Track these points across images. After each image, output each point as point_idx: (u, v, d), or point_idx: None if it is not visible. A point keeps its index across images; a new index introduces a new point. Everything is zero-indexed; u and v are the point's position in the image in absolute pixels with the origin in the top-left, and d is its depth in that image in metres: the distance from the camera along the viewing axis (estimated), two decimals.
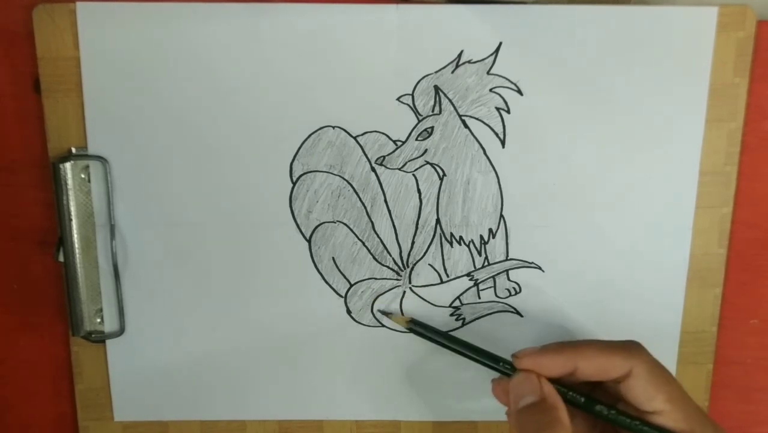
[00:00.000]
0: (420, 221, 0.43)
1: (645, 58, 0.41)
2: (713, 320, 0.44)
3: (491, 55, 0.41)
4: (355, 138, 0.42)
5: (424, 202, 0.43)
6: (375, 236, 0.43)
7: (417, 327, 0.43)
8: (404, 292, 0.44)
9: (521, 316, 0.44)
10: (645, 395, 0.36)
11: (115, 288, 0.43)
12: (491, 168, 0.42)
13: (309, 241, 0.43)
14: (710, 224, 0.43)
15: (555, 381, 0.38)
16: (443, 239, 0.43)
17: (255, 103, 0.41)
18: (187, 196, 0.42)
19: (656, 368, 0.37)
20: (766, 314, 0.45)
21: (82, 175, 0.42)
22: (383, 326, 0.44)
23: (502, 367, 0.40)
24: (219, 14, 0.40)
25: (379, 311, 0.44)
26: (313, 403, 0.45)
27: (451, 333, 0.43)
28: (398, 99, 0.41)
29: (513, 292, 0.44)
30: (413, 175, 0.42)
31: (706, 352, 0.45)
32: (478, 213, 0.43)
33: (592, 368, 0.37)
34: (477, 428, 0.46)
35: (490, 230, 0.43)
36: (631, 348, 0.37)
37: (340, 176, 0.42)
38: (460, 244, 0.43)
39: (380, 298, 0.44)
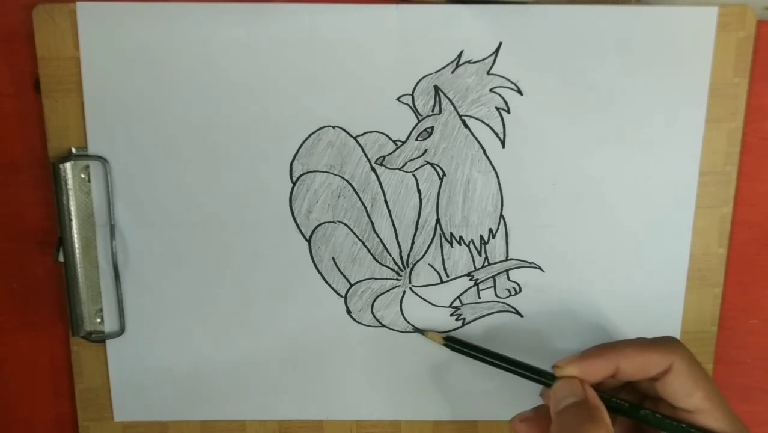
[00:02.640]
0: (420, 221, 0.43)
1: (645, 58, 0.41)
2: (713, 320, 0.44)
3: (491, 55, 0.41)
4: (355, 138, 0.42)
5: (424, 202, 0.43)
6: (375, 236, 0.43)
7: (453, 343, 0.42)
8: (404, 292, 0.44)
9: (521, 316, 0.44)
10: (683, 392, 0.36)
11: (115, 288, 0.43)
12: (491, 168, 0.42)
13: (309, 241, 0.43)
14: (710, 224, 0.43)
15: (596, 388, 0.37)
16: (443, 238, 0.43)
17: (255, 103, 0.41)
18: (187, 196, 0.42)
19: (695, 364, 0.36)
20: (766, 314, 0.45)
21: (82, 176, 0.42)
22: (383, 325, 0.44)
23: (544, 379, 0.39)
24: (219, 14, 0.40)
25: (414, 327, 0.44)
26: (313, 403, 0.45)
27: (490, 349, 0.42)
28: (398, 99, 0.41)
29: (513, 292, 0.44)
30: (413, 175, 0.42)
31: (706, 352, 0.45)
32: (478, 213, 0.43)
33: (632, 367, 0.36)
34: (477, 428, 0.46)
35: (490, 230, 0.43)
36: (669, 344, 0.37)
37: (340, 176, 0.42)
38: (460, 244, 0.43)
39: (380, 298, 0.44)
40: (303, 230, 0.43)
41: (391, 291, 0.44)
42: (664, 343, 0.37)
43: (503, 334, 0.44)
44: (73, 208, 0.42)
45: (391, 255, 0.43)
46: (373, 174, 0.42)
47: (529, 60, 0.41)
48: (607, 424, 0.35)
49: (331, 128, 0.42)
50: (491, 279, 0.44)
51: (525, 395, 0.43)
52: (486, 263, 0.43)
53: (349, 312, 0.44)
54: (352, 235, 0.43)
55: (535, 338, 0.44)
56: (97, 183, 0.42)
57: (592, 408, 0.35)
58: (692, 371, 0.36)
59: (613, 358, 0.37)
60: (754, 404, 0.46)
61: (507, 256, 0.43)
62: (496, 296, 0.44)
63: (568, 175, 0.42)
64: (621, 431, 0.40)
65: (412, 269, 0.44)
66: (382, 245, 0.43)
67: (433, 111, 0.41)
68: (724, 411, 0.36)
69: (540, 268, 0.43)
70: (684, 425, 0.36)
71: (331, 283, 0.44)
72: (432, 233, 0.43)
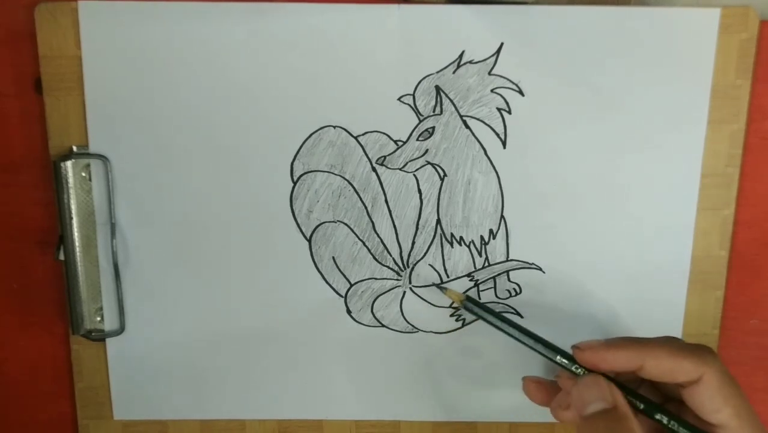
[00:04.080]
0: (420, 221, 0.43)
1: (647, 59, 0.40)
2: (715, 323, 0.44)
3: (492, 55, 0.40)
4: (356, 138, 0.42)
5: (424, 202, 0.43)
6: (375, 235, 0.43)
7: (471, 304, 0.41)
8: (404, 292, 0.44)
9: (522, 317, 0.44)
10: (712, 406, 0.34)
11: (116, 287, 0.43)
12: (492, 168, 0.42)
13: (309, 240, 0.43)
14: (712, 226, 0.43)
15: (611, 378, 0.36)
16: (443, 239, 0.43)
17: (256, 102, 0.41)
18: (188, 195, 0.42)
19: (727, 378, 0.35)
20: (766, 314, 0.45)
21: (83, 174, 0.42)
22: (383, 325, 0.44)
23: (558, 358, 0.38)
24: (220, 13, 0.40)
25: (434, 284, 0.43)
26: (312, 403, 0.45)
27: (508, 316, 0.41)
28: (399, 99, 0.41)
29: (513, 293, 0.44)
30: (414, 175, 0.42)
31: None
32: (478, 213, 0.43)
33: (659, 369, 0.35)
34: (477, 428, 0.46)
35: (491, 231, 0.43)
36: (703, 353, 0.35)
37: (340, 176, 0.42)
38: (460, 244, 0.43)
39: (380, 298, 0.44)
40: (303, 229, 0.43)
41: (392, 291, 0.44)
42: (698, 352, 0.35)
43: (503, 335, 0.44)
44: (73, 207, 0.42)
45: (391, 255, 0.43)
46: (373, 174, 0.42)
47: (530, 61, 0.40)
48: None
49: (332, 128, 0.42)
50: (491, 280, 0.44)
51: (525, 396, 0.43)
52: (486, 264, 0.43)
53: (349, 312, 0.44)
54: (353, 235, 0.43)
55: None
56: (98, 181, 0.42)
57: (622, 418, 0.34)
58: (723, 385, 0.34)
59: (640, 354, 0.35)
60: (755, 404, 0.45)
61: (507, 257, 0.43)
62: (497, 296, 0.44)
63: (569, 176, 0.42)
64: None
65: (413, 269, 0.44)
66: (382, 245, 0.43)
67: (434, 111, 0.41)
68: (753, 429, 0.34)
69: (540, 269, 0.43)
70: None
71: (331, 283, 0.44)
72: (432, 234, 0.43)
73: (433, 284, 0.43)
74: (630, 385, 0.37)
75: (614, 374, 0.37)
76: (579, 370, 0.38)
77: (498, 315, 0.41)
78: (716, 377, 0.34)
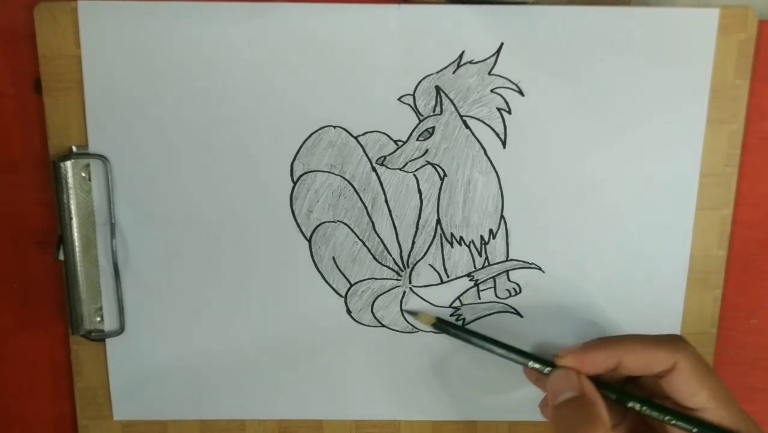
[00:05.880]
0: (420, 221, 0.43)
1: (646, 59, 0.40)
2: (713, 322, 0.44)
3: (492, 55, 0.41)
4: (356, 138, 0.42)
5: (424, 202, 0.43)
6: (375, 236, 0.43)
7: (444, 325, 0.42)
8: (404, 292, 0.44)
9: (521, 316, 0.44)
10: (688, 391, 0.36)
11: (115, 287, 0.43)
12: (492, 168, 0.42)
13: (309, 240, 0.43)
14: (710, 226, 0.43)
15: (591, 377, 0.37)
16: (443, 239, 0.43)
17: (256, 102, 0.41)
18: (188, 195, 0.42)
19: (700, 363, 0.36)
20: (766, 314, 0.45)
21: (83, 174, 0.42)
22: (383, 326, 0.44)
23: (533, 364, 0.39)
24: (220, 13, 0.40)
25: (406, 311, 0.44)
26: (312, 403, 0.45)
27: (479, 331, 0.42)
28: (399, 99, 0.41)
29: (513, 292, 0.44)
30: (414, 175, 0.42)
31: (706, 353, 0.45)
32: (478, 213, 0.43)
33: (636, 362, 0.36)
34: (476, 428, 0.46)
35: (491, 231, 0.43)
36: (675, 342, 0.37)
37: (340, 176, 0.42)
38: (460, 244, 0.43)
39: (380, 298, 0.44)
40: (303, 229, 0.43)
41: (392, 291, 0.44)
42: (670, 341, 0.37)
43: (503, 334, 0.44)
44: (73, 207, 0.42)
45: (391, 255, 0.43)
46: (373, 174, 0.42)
47: (530, 61, 0.41)
48: (604, 422, 0.35)
49: (332, 128, 0.42)
50: (491, 280, 0.44)
51: (525, 395, 0.43)
52: (486, 264, 0.43)
53: (349, 312, 0.44)
54: (353, 235, 0.43)
55: (534, 339, 0.44)
56: (98, 181, 0.42)
57: (589, 404, 0.36)
58: (697, 370, 0.36)
59: (616, 351, 0.37)
60: (755, 404, 0.46)
61: (507, 256, 0.43)
62: (496, 296, 0.44)
63: (569, 176, 0.42)
64: (631, 424, 0.40)
65: (413, 269, 0.44)
66: (382, 245, 0.43)
67: (434, 111, 0.41)
68: (730, 409, 0.36)
69: (540, 269, 0.43)
70: (667, 417, 0.36)
71: (331, 283, 0.44)
72: (432, 233, 0.43)
73: (404, 310, 0.44)
74: (618, 383, 0.39)
75: (598, 375, 0.38)
76: (548, 371, 0.39)
77: (471, 332, 0.42)
78: (690, 362, 0.36)
